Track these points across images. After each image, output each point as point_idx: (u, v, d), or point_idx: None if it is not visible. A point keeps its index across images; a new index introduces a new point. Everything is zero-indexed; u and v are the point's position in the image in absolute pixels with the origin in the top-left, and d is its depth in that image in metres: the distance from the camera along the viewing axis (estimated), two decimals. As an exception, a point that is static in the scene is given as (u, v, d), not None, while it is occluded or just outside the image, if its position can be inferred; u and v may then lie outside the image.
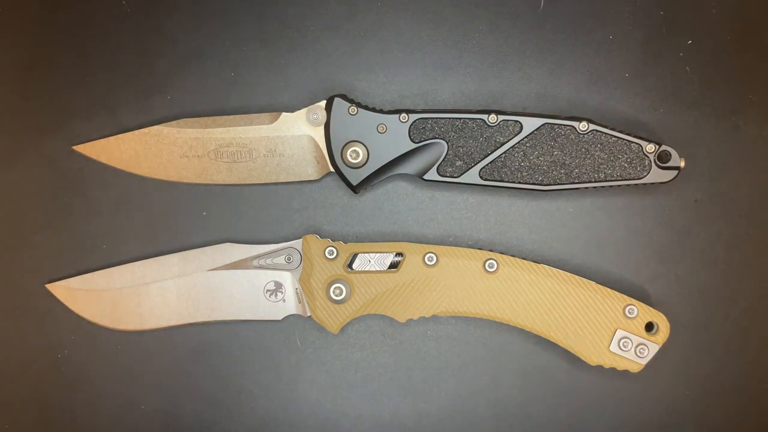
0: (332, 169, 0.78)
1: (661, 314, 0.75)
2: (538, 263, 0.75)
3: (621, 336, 0.74)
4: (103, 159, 0.79)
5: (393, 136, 0.76)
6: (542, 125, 0.75)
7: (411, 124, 0.76)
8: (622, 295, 0.75)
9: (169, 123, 0.79)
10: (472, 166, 0.76)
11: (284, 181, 0.79)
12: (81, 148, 0.80)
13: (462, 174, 0.76)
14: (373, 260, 0.76)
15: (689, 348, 0.79)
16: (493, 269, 0.75)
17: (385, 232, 0.80)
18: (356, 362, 0.80)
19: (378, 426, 0.80)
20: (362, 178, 0.77)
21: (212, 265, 0.78)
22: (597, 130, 0.74)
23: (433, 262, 0.75)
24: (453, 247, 0.76)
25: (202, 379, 0.80)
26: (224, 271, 0.78)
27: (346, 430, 0.80)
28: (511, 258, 0.75)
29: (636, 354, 0.74)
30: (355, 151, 0.76)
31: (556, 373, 0.79)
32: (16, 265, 0.81)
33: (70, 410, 0.81)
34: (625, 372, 0.76)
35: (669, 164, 0.74)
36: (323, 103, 0.77)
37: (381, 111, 0.77)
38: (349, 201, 0.80)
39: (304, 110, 0.77)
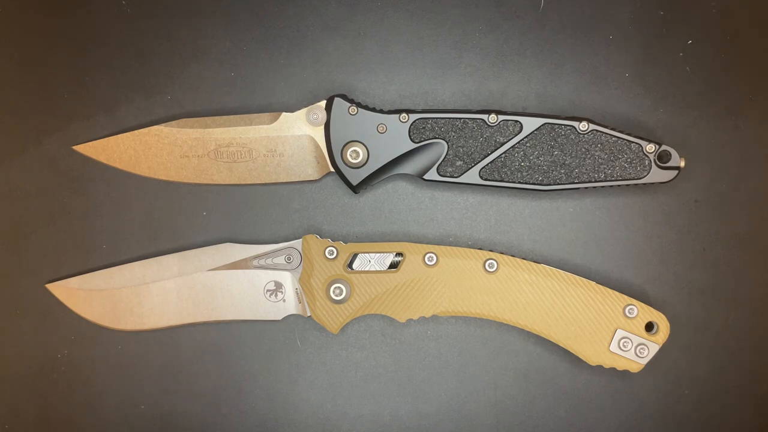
0: (332, 169, 0.77)
1: (661, 314, 0.75)
2: (538, 263, 0.75)
3: (621, 336, 0.74)
4: (102, 159, 0.79)
5: (393, 136, 0.76)
6: (542, 125, 0.75)
7: (411, 124, 0.76)
8: (622, 295, 0.75)
9: (169, 123, 0.79)
10: (472, 166, 0.76)
11: (284, 181, 0.79)
12: (81, 148, 0.80)
13: (462, 174, 0.76)
14: (373, 260, 0.76)
15: (689, 348, 0.79)
16: (493, 269, 0.75)
17: (385, 232, 0.80)
18: (356, 362, 0.80)
19: (378, 426, 0.80)
20: (362, 178, 0.77)
21: (212, 265, 0.78)
22: (597, 130, 0.74)
23: (433, 262, 0.75)
24: (453, 247, 0.76)
25: (202, 379, 0.80)
26: (224, 271, 0.78)
27: (346, 430, 0.80)
28: (511, 258, 0.75)
29: (636, 354, 0.74)
30: (355, 151, 0.76)
31: (556, 373, 0.79)
32: (16, 265, 0.81)
33: (70, 410, 0.81)
34: (625, 372, 0.76)
35: (669, 164, 0.74)
36: (323, 103, 0.77)
37: (381, 111, 0.77)
38: (349, 201, 0.80)
39: (304, 110, 0.77)
